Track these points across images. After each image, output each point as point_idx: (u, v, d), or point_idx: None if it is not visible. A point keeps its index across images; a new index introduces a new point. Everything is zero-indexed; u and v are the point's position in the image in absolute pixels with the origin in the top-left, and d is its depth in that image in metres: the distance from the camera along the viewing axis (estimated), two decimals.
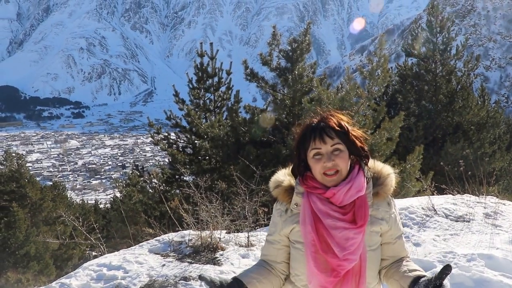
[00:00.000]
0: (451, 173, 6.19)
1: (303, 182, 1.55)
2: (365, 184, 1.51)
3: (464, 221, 4.82)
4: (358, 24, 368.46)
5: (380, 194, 1.55)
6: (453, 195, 5.76)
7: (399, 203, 5.14)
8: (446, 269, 1.33)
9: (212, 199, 4.44)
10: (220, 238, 4.36)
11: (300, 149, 1.55)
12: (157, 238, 4.55)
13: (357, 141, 1.52)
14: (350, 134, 1.51)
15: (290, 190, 1.59)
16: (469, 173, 5.60)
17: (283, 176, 1.64)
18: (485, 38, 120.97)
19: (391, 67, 11.58)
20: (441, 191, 5.94)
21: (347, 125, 1.52)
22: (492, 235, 4.36)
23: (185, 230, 4.62)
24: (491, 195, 5.98)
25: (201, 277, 1.45)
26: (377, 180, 1.56)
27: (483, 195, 5.60)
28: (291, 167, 1.64)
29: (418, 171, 6.72)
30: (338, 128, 1.49)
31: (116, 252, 4.29)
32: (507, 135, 12.85)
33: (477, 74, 13.48)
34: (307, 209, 1.51)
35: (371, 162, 1.59)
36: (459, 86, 11.04)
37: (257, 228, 4.92)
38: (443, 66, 11.09)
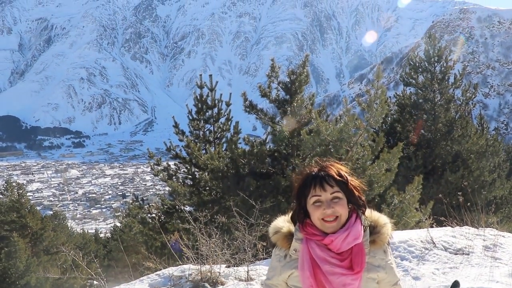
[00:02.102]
0: (451, 202, 6.19)
1: (302, 229, 1.61)
2: (362, 232, 1.58)
3: (463, 254, 4.80)
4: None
5: (377, 242, 1.63)
6: (452, 227, 5.74)
7: (398, 236, 5.13)
8: (455, 285, 1.39)
9: (212, 233, 4.45)
10: (219, 273, 4.34)
11: (301, 196, 1.62)
12: (158, 272, 4.53)
13: (355, 191, 1.60)
14: (349, 184, 1.59)
15: (289, 236, 1.65)
16: (468, 204, 5.60)
17: (282, 222, 1.70)
18: (483, 65, 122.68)
19: (390, 96, 11.75)
20: (440, 223, 5.92)
21: (346, 175, 1.61)
22: (491, 268, 4.34)
23: (185, 264, 4.61)
24: (491, 226, 5.95)
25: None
26: (373, 229, 1.64)
27: (482, 226, 5.57)
28: (290, 214, 1.71)
29: (417, 201, 6.71)
30: (338, 177, 1.58)
31: (116, 287, 4.27)
32: (506, 163, 12.88)
33: (475, 101, 13.64)
34: (305, 255, 1.57)
35: (368, 211, 1.67)
36: (458, 115, 11.14)
37: (256, 262, 4.89)
38: (441, 95, 11.23)
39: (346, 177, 1.59)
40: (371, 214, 1.67)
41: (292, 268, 1.61)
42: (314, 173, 1.61)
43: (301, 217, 1.62)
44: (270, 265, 1.72)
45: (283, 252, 1.65)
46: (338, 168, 1.61)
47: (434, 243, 4.98)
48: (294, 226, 1.66)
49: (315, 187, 1.57)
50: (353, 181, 1.62)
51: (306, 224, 1.60)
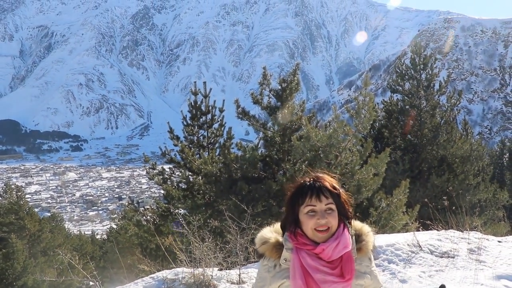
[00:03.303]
0: (437, 205, 6.36)
1: (293, 238, 1.63)
2: (350, 240, 1.64)
3: (448, 257, 4.89)
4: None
5: (363, 250, 1.70)
6: (437, 230, 5.85)
7: (385, 239, 5.23)
8: None
9: (205, 237, 4.55)
10: (212, 276, 4.42)
11: (294, 204, 1.64)
12: (152, 275, 4.59)
13: (345, 203, 1.66)
14: (341, 196, 1.65)
15: (277, 246, 1.67)
16: (453, 207, 5.76)
17: (270, 233, 1.72)
18: (467, 72, 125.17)
19: (378, 103, 12.00)
20: (426, 226, 6.05)
21: (339, 187, 1.66)
22: (476, 270, 4.42)
23: (179, 267, 4.68)
24: (475, 229, 6.07)
25: None
26: (358, 237, 1.71)
27: (467, 230, 5.67)
28: (276, 225, 1.74)
29: (404, 205, 6.89)
30: (333, 190, 1.63)
31: None
32: (490, 166, 13.22)
33: (460, 107, 13.99)
34: (297, 264, 1.59)
35: (351, 221, 1.72)
36: (443, 120, 11.42)
37: (248, 265, 4.99)
38: (427, 101, 11.51)
39: (339, 189, 1.65)
40: (354, 223, 1.73)
41: (283, 278, 1.62)
42: (310, 183, 1.64)
43: (291, 227, 1.64)
44: (258, 276, 1.72)
45: (272, 262, 1.66)
46: (331, 180, 1.66)
47: (420, 246, 5.07)
48: (282, 235, 1.68)
49: (311, 197, 1.60)
50: (343, 194, 1.67)
51: (297, 234, 1.63)
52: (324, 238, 1.60)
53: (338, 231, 1.62)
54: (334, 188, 1.64)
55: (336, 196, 1.64)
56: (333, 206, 1.62)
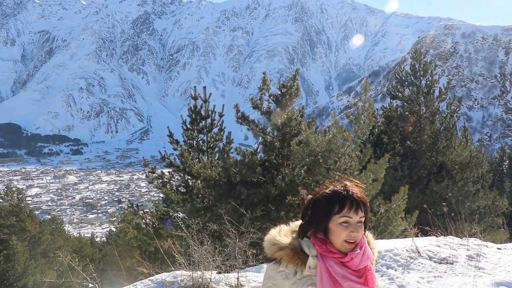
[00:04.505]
0: (436, 212, 6.35)
1: (320, 245, 1.60)
2: (370, 249, 1.67)
3: (447, 263, 4.88)
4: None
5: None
6: (436, 236, 5.84)
7: (384, 245, 5.23)
8: None
9: (204, 240, 4.56)
10: (210, 279, 4.42)
11: (328, 212, 1.59)
12: (151, 278, 4.59)
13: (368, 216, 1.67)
14: (368, 210, 1.65)
15: (298, 252, 1.62)
16: (452, 214, 5.75)
17: (282, 237, 1.67)
18: (467, 79, 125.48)
19: (377, 109, 12.04)
20: (425, 232, 6.05)
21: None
22: (475, 277, 4.41)
23: (177, 270, 4.69)
24: (474, 236, 6.05)
25: None
26: (368, 245, 1.72)
27: (466, 236, 5.65)
28: (284, 227, 1.70)
29: (403, 210, 6.90)
30: (367, 204, 1.64)
31: None
32: (490, 173, 13.22)
33: (460, 114, 14.04)
34: (324, 272, 1.58)
35: None
36: (442, 127, 11.45)
37: (246, 268, 4.99)
38: (426, 108, 11.55)
39: (368, 204, 1.65)
40: (364, 235, 1.74)
41: (307, 285, 1.60)
42: (347, 192, 1.60)
43: (319, 234, 1.61)
44: (270, 283, 1.65)
45: (292, 269, 1.61)
46: (362, 192, 1.63)
47: (419, 252, 5.07)
48: (301, 239, 1.64)
49: (350, 208, 1.58)
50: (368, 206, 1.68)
51: (325, 242, 1.60)
52: (351, 250, 1.61)
53: (361, 242, 1.64)
54: (366, 201, 1.65)
55: (366, 209, 1.64)
56: (363, 220, 1.63)
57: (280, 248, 1.62)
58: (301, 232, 1.65)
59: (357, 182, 1.68)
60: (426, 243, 5.47)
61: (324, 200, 1.61)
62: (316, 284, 1.60)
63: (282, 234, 1.67)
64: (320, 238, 1.60)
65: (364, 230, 1.66)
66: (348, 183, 1.64)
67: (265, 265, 1.98)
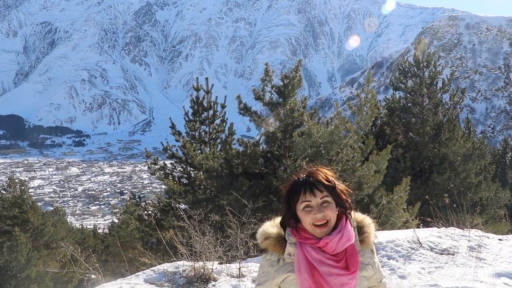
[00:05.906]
0: (438, 203, 6.35)
1: (295, 233, 1.64)
2: (353, 232, 1.64)
3: (448, 254, 4.89)
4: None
5: (365, 241, 1.71)
6: (438, 227, 5.84)
7: (385, 235, 5.22)
8: None
9: (206, 231, 4.58)
10: (212, 269, 4.46)
11: (290, 202, 1.64)
12: (153, 268, 4.64)
13: (342, 194, 1.65)
14: (337, 188, 1.64)
15: (280, 241, 1.67)
16: (454, 205, 5.75)
17: (271, 228, 1.72)
18: (471, 71, 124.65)
19: (380, 100, 11.97)
20: (426, 224, 6.06)
21: (333, 179, 1.65)
22: (476, 268, 4.42)
23: (179, 260, 4.73)
24: (476, 227, 6.05)
25: None
26: (360, 229, 1.71)
27: (467, 227, 5.65)
28: (277, 219, 1.73)
29: (405, 202, 6.90)
30: (326, 182, 1.62)
31: (113, 281, 4.37)
32: (492, 165, 13.19)
33: (463, 106, 13.95)
34: (302, 258, 1.60)
35: (352, 213, 1.71)
36: (445, 118, 11.39)
37: (248, 259, 5.03)
38: (430, 99, 11.48)
39: (333, 181, 1.63)
40: (355, 215, 1.72)
41: (288, 271, 1.63)
42: (302, 179, 1.63)
43: (291, 223, 1.64)
44: (260, 271, 1.71)
45: (276, 257, 1.66)
46: (325, 173, 1.64)
47: (420, 243, 5.08)
48: (284, 231, 1.67)
49: (305, 192, 1.60)
50: (340, 185, 1.66)
51: (299, 229, 1.63)
52: (324, 233, 1.60)
53: (341, 224, 1.62)
54: (328, 180, 1.63)
55: (331, 188, 1.62)
56: (329, 199, 1.61)
57: (266, 238, 1.69)
58: (282, 224, 1.70)
59: (322, 166, 1.71)
60: (427, 234, 5.48)
61: (286, 192, 1.67)
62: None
63: (273, 225, 1.73)
64: (294, 226, 1.65)
65: (346, 212, 1.66)
66: (310, 169, 1.67)
67: None
